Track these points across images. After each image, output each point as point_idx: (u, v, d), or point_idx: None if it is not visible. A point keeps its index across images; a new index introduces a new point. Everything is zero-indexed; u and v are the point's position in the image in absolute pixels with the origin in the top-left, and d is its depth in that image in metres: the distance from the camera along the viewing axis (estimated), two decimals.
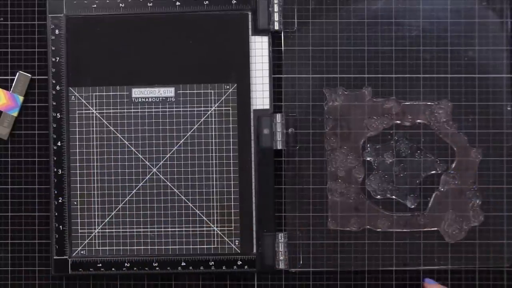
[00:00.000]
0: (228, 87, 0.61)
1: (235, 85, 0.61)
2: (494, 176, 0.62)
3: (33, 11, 0.63)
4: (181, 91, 0.61)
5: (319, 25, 0.63)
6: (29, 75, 0.63)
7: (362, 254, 0.62)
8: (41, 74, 0.63)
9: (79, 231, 0.61)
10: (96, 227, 0.61)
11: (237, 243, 0.61)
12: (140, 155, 0.61)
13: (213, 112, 0.61)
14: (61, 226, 0.61)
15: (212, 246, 0.61)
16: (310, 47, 0.63)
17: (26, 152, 0.63)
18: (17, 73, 0.63)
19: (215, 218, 0.61)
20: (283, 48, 0.62)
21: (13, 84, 0.62)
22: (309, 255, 0.62)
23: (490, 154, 0.62)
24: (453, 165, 0.62)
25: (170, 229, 0.61)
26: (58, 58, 0.61)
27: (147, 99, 0.61)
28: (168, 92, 0.61)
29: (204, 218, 0.61)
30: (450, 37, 0.63)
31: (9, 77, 0.63)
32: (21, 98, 0.63)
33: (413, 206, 0.62)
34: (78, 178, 0.61)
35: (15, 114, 0.62)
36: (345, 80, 0.63)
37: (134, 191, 0.61)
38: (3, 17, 0.63)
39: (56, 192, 0.61)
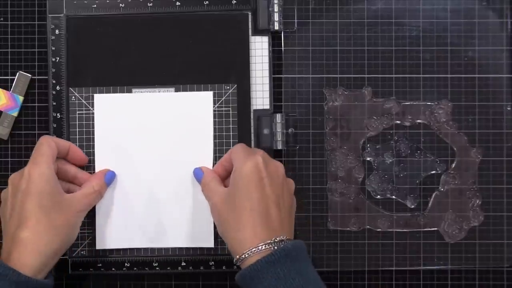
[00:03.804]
0: (228, 87, 0.61)
1: (235, 85, 0.61)
2: (494, 176, 0.62)
3: (33, 11, 0.63)
4: (181, 91, 0.61)
5: (319, 25, 0.63)
6: (29, 75, 0.63)
7: (362, 254, 0.62)
8: (41, 74, 0.63)
9: (79, 231, 0.61)
10: (96, 227, 0.61)
11: None
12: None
13: (213, 112, 0.61)
14: None
15: (212, 246, 0.61)
16: (310, 47, 0.63)
17: (26, 152, 0.63)
18: (17, 73, 0.63)
19: None
20: (283, 48, 0.62)
21: (13, 84, 0.62)
22: (309, 255, 0.62)
23: (490, 154, 0.62)
24: (453, 165, 0.62)
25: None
26: (58, 58, 0.61)
27: None
28: (168, 92, 0.61)
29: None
30: (450, 37, 0.63)
31: (9, 77, 0.63)
32: (21, 98, 0.63)
33: (413, 206, 0.62)
34: None
35: (15, 114, 0.62)
36: (345, 80, 0.63)
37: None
38: (3, 17, 0.63)
39: None
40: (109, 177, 0.60)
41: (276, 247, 0.50)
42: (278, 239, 0.51)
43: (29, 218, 0.52)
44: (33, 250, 0.52)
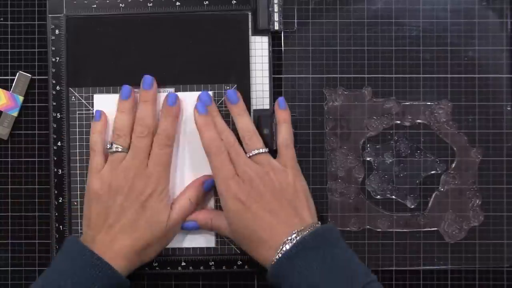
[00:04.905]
0: (228, 87, 0.61)
1: (235, 85, 0.61)
2: (494, 176, 0.62)
3: (33, 11, 0.63)
4: (181, 92, 0.61)
5: (319, 25, 0.63)
6: (29, 75, 0.63)
7: (362, 254, 0.62)
8: (41, 74, 0.63)
9: (79, 231, 0.61)
10: None
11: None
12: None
13: None
14: (61, 226, 0.61)
15: (212, 246, 0.61)
16: (310, 47, 0.63)
17: (26, 152, 0.63)
18: (17, 73, 0.63)
19: None
20: (283, 48, 0.62)
21: (13, 84, 0.62)
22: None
23: (490, 154, 0.62)
24: (453, 165, 0.62)
25: None
26: (58, 58, 0.61)
27: None
28: (168, 92, 0.61)
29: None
30: (450, 37, 0.63)
31: (9, 77, 0.63)
32: (21, 98, 0.63)
33: (413, 206, 0.62)
34: (78, 178, 0.61)
35: (15, 114, 0.63)
36: (345, 80, 0.63)
37: None
38: (3, 17, 0.63)
39: (56, 192, 0.61)
40: (208, 185, 0.61)
41: (276, 258, 0.53)
42: (277, 249, 0.54)
43: (138, 235, 0.56)
44: (127, 257, 0.56)
